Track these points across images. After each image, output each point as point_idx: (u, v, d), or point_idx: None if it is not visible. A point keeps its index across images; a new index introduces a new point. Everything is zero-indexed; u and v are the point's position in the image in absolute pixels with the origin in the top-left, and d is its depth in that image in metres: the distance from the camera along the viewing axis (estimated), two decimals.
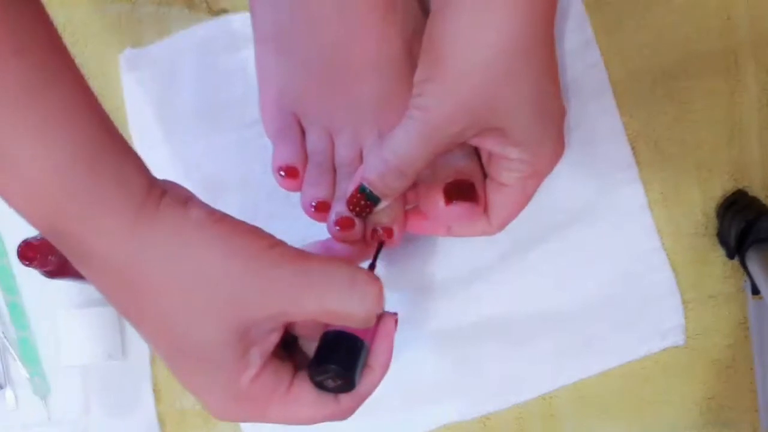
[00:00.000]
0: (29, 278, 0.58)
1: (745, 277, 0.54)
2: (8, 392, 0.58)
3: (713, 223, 0.55)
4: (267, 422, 0.41)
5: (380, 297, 0.40)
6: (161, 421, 0.57)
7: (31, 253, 0.50)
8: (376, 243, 0.47)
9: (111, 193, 0.36)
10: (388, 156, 0.43)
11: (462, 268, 0.55)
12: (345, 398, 0.41)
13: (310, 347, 0.42)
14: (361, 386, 0.42)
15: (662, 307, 0.55)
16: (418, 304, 0.56)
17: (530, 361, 0.55)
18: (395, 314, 0.43)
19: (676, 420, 0.56)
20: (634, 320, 0.55)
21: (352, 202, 0.45)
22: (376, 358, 0.42)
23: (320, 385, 0.41)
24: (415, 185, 0.46)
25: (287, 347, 0.42)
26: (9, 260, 0.58)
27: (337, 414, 0.42)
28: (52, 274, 0.52)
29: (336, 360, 0.40)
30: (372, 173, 0.44)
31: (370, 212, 0.46)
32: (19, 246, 0.50)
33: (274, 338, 0.39)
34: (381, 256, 0.55)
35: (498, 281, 0.55)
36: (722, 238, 0.54)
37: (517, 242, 0.55)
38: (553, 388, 0.56)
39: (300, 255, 0.39)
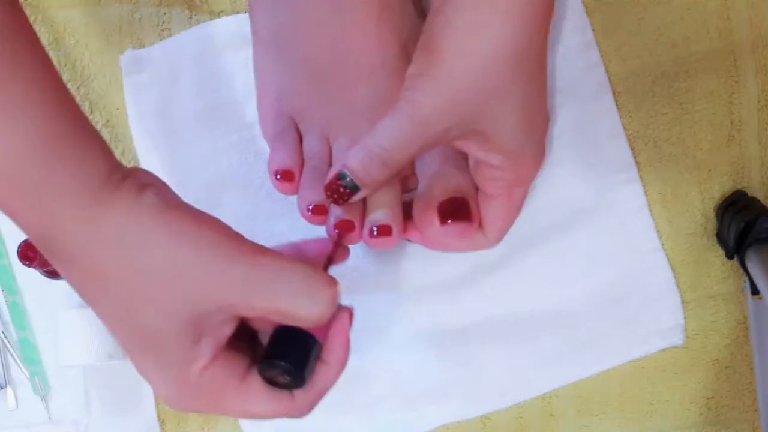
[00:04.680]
0: (29, 278, 0.58)
1: (745, 277, 0.54)
2: (8, 392, 0.58)
3: (712, 224, 0.55)
4: (222, 414, 0.41)
5: (334, 300, 0.39)
6: (161, 421, 0.57)
7: (32, 253, 0.50)
8: (334, 239, 0.46)
9: (67, 178, 0.36)
10: (371, 145, 0.43)
11: (462, 268, 0.55)
12: (300, 394, 0.41)
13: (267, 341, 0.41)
14: (318, 382, 0.41)
15: (662, 307, 0.55)
16: (418, 304, 0.56)
17: (530, 360, 0.55)
18: (350, 308, 0.42)
19: (675, 420, 0.56)
20: (633, 320, 0.55)
21: (330, 189, 0.44)
22: (331, 353, 0.41)
23: (271, 381, 0.40)
24: (412, 201, 0.46)
25: (247, 339, 0.41)
26: (9, 260, 0.58)
27: (293, 410, 0.41)
28: (52, 274, 0.52)
29: (285, 357, 0.39)
30: (353, 161, 0.43)
31: (347, 201, 0.44)
32: (20, 246, 0.50)
33: (227, 330, 0.39)
34: (382, 255, 0.56)
35: (498, 281, 0.55)
36: (721, 238, 0.54)
37: (516, 242, 0.55)
38: (553, 388, 0.56)
39: (256, 249, 0.38)
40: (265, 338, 0.42)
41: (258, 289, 0.38)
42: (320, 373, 0.41)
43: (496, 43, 0.39)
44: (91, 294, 0.38)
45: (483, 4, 0.39)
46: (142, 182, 0.38)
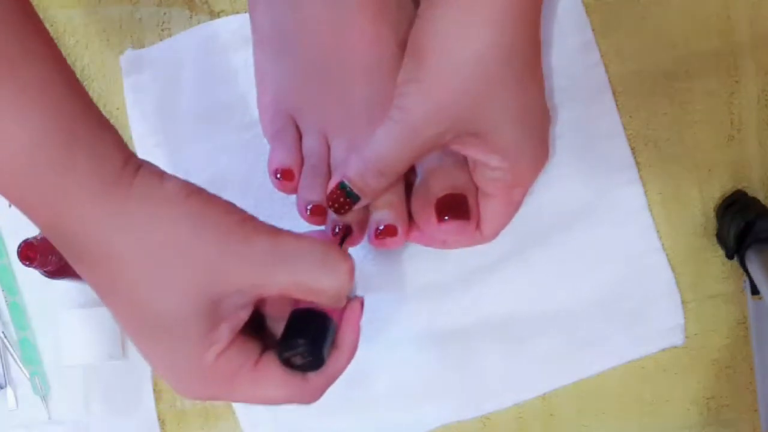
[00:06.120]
0: (29, 278, 0.58)
1: (745, 277, 0.54)
2: (8, 392, 0.58)
3: (712, 224, 0.55)
4: (233, 401, 0.41)
5: (351, 273, 0.40)
6: (161, 421, 0.57)
7: (32, 253, 0.50)
8: (340, 235, 0.46)
9: (85, 167, 0.36)
10: (368, 155, 0.43)
11: (462, 267, 0.55)
12: (314, 378, 0.41)
13: (278, 329, 0.42)
14: (330, 366, 0.42)
15: (662, 308, 0.55)
16: (418, 304, 0.56)
17: (530, 361, 0.55)
18: (361, 298, 0.43)
19: (675, 420, 0.56)
20: (633, 320, 0.55)
21: (331, 198, 0.45)
22: (344, 338, 0.42)
23: (288, 363, 0.40)
24: (409, 198, 0.46)
25: (256, 329, 0.42)
26: (9, 260, 0.58)
27: (305, 394, 0.41)
28: (52, 274, 0.52)
29: (305, 335, 0.40)
30: (352, 171, 0.44)
31: (349, 210, 0.46)
32: (20, 246, 0.50)
33: (244, 315, 0.39)
34: (382, 256, 0.56)
35: (498, 281, 0.55)
36: (721, 238, 0.54)
37: (517, 242, 0.55)
38: (553, 388, 0.56)
39: (272, 230, 0.39)
40: (274, 326, 0.42)
41: (279, 264, 0.38)
42: (332, 357, 0.42)
43: (480, 44, 0.39)
44: (104, 283, 0.38)
45: (465, 6, 0.39)
46: (157, 170, 0.39)
